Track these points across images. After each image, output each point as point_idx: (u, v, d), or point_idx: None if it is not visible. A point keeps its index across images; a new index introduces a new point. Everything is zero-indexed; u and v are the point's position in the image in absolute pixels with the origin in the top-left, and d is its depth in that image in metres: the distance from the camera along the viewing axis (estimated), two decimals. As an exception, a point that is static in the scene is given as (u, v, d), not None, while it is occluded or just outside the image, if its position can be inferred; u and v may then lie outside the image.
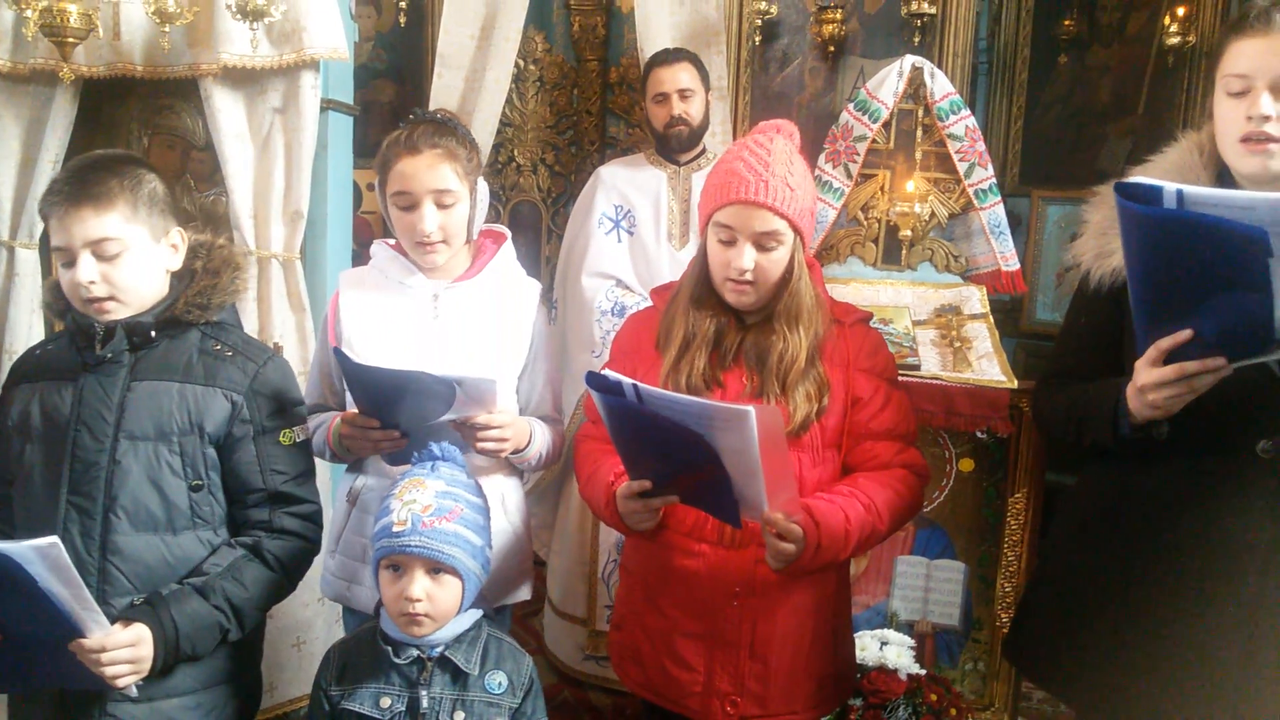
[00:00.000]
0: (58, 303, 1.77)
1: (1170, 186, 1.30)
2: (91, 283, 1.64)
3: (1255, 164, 1.57)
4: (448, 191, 1.91)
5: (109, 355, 1.68)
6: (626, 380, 1.55)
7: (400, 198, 1.92)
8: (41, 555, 1.39)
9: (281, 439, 1.78)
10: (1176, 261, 1.35)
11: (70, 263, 1.66)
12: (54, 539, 1.39)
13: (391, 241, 2.06)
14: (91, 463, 1.66)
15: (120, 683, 1.56)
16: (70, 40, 2.46)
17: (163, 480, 1.68)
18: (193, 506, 1.70)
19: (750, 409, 1.45)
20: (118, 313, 1.69)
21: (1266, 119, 1.53)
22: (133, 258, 1.68)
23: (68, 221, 1.63)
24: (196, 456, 1.70)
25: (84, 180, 1.65)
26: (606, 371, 1.58)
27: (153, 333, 1.71)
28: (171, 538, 1.69)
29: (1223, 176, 1.66)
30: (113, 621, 1.57)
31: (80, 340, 1.72)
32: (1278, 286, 1.29)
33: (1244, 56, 1.57)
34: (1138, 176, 1.41)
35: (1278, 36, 1.54)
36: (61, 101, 2.75)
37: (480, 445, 1.87)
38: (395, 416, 1.83)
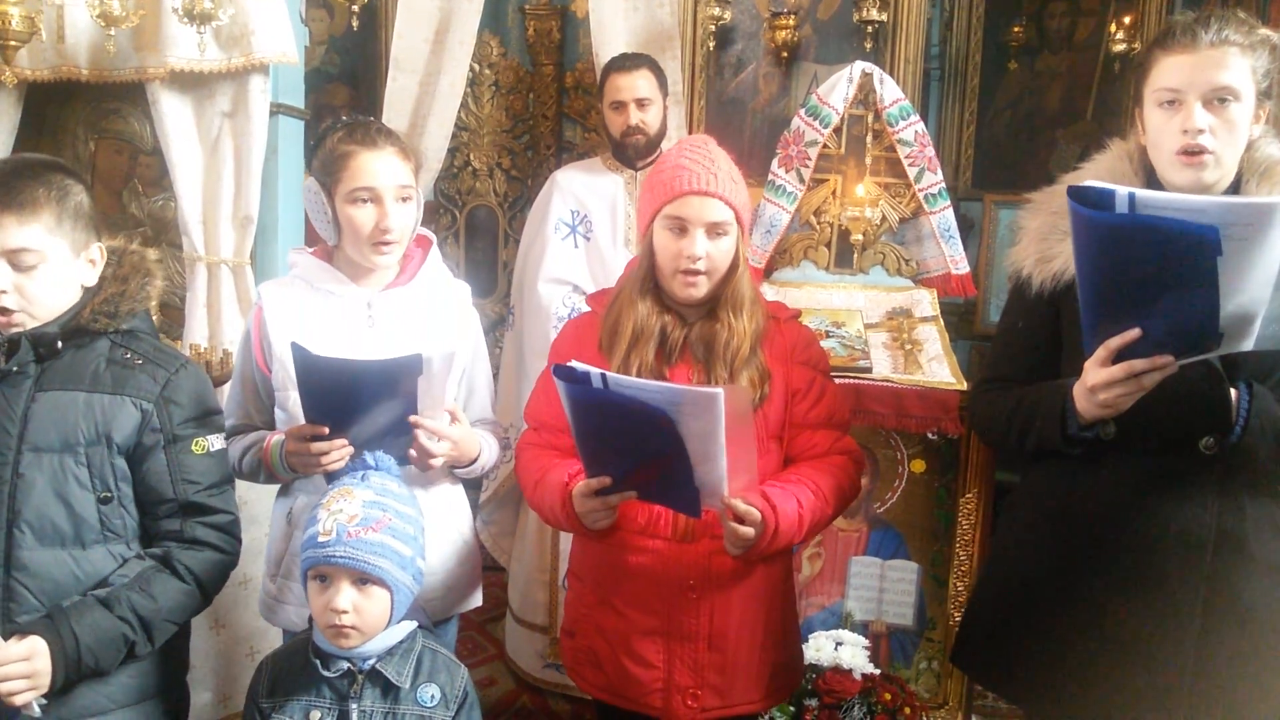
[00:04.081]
0: None
1: (1122, 191, 1.33)
2: (3, 292, 1.58)
3: (1189, 175, 1.61)
4: (409, 187, 1.90)
5: (14, 369, 1.62)
6: (595, 370, 1.57)
7: (362, 192, 1.85)
8: None
9: (194, 448, 1.71)
10: (1128, 263, 1.38)
11: None
12: None
13: (311, 250, 2.00)
14: None
15: (17, 700, 1.50)
16: (12, 43, 2.42)
17: (69, 493, 1.61)
18: (102, 519, 1.64)
19: (720, 391, 1.48)
20: (24, 325, 1.62)
21: (1200, 131, 1.57)
22: (49, 270, 1.61)
23: None
24: (105, 468, 1.64)
25: (10, 186, 1.58)
26: (573, 363, 1.58)
27: (59, 343, 1.65)
28: (80, 552, 1.63)
29: (1151, 183, 1.70)
30: (8, 637, 1.52)
31: None
32: (1224, 284, 1.33)
33: (1173, 71, 1.61)
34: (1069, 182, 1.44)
35: (1205, 51, 1.58)
36: (5, 105, 2.72)
37: (429, 448, 1.81)
38: (348, 420, 1.76)
